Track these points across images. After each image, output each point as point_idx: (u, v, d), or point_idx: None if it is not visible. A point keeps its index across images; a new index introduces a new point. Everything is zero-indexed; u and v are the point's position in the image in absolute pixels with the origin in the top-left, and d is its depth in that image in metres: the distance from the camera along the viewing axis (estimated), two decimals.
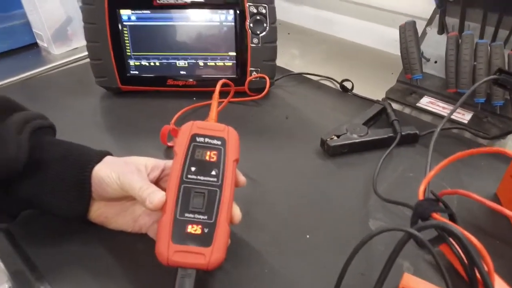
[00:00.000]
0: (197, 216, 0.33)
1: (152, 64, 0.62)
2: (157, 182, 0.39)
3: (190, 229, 0.33)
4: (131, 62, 0.62)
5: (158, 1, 0.58)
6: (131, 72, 0.63)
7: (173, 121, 0.55)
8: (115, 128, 0.59)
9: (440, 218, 0.28)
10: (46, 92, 0.68)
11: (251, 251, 0.39)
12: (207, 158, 0.36)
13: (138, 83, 0.64)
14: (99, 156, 0.38)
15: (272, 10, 0.59)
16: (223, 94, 0.54)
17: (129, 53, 0.61)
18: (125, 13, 0.59)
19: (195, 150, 0.36)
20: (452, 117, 0.58)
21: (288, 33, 0.90)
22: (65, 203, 0.37)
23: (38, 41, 0.82)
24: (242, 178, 0.38)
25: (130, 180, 0.35)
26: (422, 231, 0.24)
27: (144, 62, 0.62)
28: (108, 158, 0.38)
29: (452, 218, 0.30)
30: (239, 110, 0.61)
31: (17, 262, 0.37)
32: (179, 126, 0.51)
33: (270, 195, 0.46)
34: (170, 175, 0.35)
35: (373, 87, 0.68)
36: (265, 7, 0.58)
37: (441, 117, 0.59)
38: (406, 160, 0.50)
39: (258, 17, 0.59)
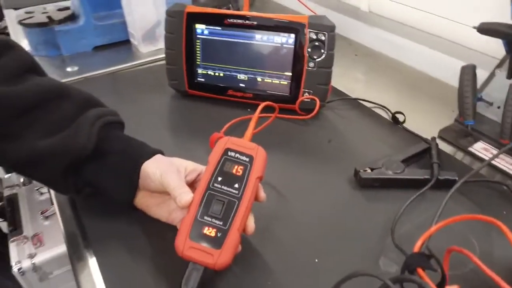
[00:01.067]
0: (214, 220, 0.38)
1: (216, 74, 0.69)
2: (192, 184, 0.45)
3: (206, 230, 0.38)
4: (199, 71, 0.69)
5: (228, 20, 0.64)
6: (198, 79, 0.70)
7: (223, 129, 0.61)
8: (175, 126, 0.67)
9: (423, 274, 0.29)
10: (128, 85, 0.79)
11: (261, 262, 0.43)
12: (233, 171, 0.41)
13: (203, 89, 0.71)
14: (151, 154, 0.45)
15: (331, 38, 0.61)
16: (273, 109, 0.59)
17: (198, 62, 0.69)
18: (199, 27, 0.66)
19: (225, 162, 0.41)
20: (504, 168, 0.55)
21: (356, 55, 0.91)
22: (116, 188, 0.45)
23: (131, 39, 0.95)
24: (262, 194, 0.42)
25: (169, 179, 0.42)
26: (397, 283, 0.26)
27: (210, 72, 0.69)
28: (157, 157, 0.45)
29: (443, 277, 0.30)
30: (286, 126, 0.65)
31: (74, 228, 0.46)
32: (227, 135, 0.56)
33: (294, 214, 0.49)
34: (200, 181, 0.41)
35: (429, 122, 0.67)
36: (324, 35, 0.61)
37: (492, 166, 0.56)
38: (438, 205, 0.50)
39: (316, 43, 0.62)
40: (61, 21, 0.87)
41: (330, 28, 0.61)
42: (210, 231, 0.38)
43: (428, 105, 0.73)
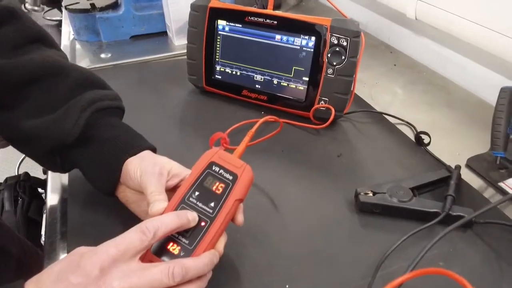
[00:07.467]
0: (180, 238, 0.36)
1: (233, 73, 0.67)
2: (174, 188, 0.42)
3: (170, 246, 0.35)
4: (217, 67, 0.68)
5: (249, 18, 0.62)
6: (216, 76, 0.68)
7: (228, 131, 0.58)
8: (184, 120, 0.66)
9: None
10: (152, 76, 0.79)
11: (228, 279, 0.40)
12: (213, 188, 0.37)
13: (219, 87, 0.69)
14: (138, 149, 0.44)
15: (354, 44, 0.56)
16: (288, 115, 0.56)
17: (217, 59, 0.67)
18: (221, 23, 0.65)
19: (207, 177, 0.38)
20: None
21: (395, 65, 0.83)
22: (98, 178, 0.44)
23: (167, 31, 0.95)
24: (240, 219, 0.39)
25: (147, 182, 0.39)
26: None
27: (227, 70, 0.67)
28: (144, 154, 0.43)
29: None
30: (296, 134, 0.61)
31: (57, 211, 0.47)
32: (231, 137, 0.54)
33: (278, 230, 0.46)
34: (177, 192, 0.38)
35: (461, 148, 0.59)
36: (346, 40, 0.56)
37: None
38: (445, 245, 0.43)
39: (337, 49, 0.57)
40: (102, 9, 0.90)
41: (354, 34, 0.56)
42: (174, 248, 0.35)
43: (465, 128, 0.64)
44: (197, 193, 0.37)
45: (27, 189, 1.18)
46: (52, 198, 0.49)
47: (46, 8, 1.16)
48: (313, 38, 0.58)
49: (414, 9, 0.79)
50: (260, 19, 0.61)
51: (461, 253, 0.43)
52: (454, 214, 0.44)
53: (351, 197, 0.49)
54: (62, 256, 0.42)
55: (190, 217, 0.36)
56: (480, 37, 0.68)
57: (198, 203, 0.37)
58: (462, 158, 0.57)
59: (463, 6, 0.69)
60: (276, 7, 1.13)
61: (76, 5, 0.90)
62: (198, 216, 0.36)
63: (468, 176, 0.53)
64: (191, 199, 0.37)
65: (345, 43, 0.56)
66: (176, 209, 0.37)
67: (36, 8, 1.06)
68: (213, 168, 0.38)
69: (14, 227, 1.00)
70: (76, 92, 0.44)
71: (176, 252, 0.35)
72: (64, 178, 0.52)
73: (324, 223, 0.46)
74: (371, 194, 0.47)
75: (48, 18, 1.21)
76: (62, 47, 0.93)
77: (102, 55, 0.86)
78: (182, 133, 0.63)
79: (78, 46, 0.92)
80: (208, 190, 0.37)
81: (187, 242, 0.35)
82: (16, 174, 1.26)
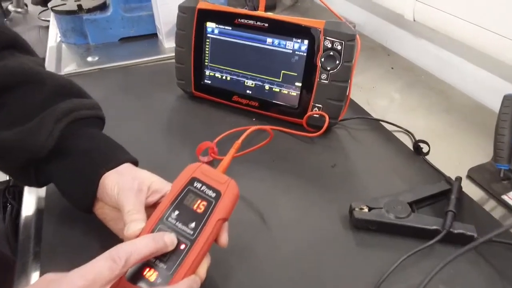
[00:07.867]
0: (158, 262, 0.32)
1: (223, 77, 0.64)
2: (154, 205, 0.39)
3: (146, 272, 0.32)
4: (207, 72, 0.65)
5: (239, 20, 0.59)
6: (205, 81, 0.65)
7: (216, 139, 0.55)
8: (172, 127, 0.63)
9: None
10: (139, 80, 0.75)
11: None
12: (194, 207, 0.34)
13: (208, 92, 0.66)
14: (116, 162, 0.40)
15: (349, 48, 0.53)
16: (281, 122, 0.52)
17: (206, 63, 0.64)
18: (210, 26, 0.61)
19: (187, 194, 0.35)
20: None
21: (392, 68, 0.81)
22: (74, 194, 0.41)
23: (157, 33, 0.92)
24: (224, 240, 0.35)
25: (124, 200, 0.36)
26: None
27: (217, 74, 0.64)
28: (122, 168, 0.40)
29: None
30: (288, 142, 0.58)
31: (32, 228, 0.44)
32: (220, 145, 0.51)
33: (266, 247, 0.43)
34: (155, 211, 0.35)
35: (462, 157, 0.56)
36: (341, 44, 0.53)
37: None
38: (446, 265, 0.40)
39: (331, 53, 0.54)
40: (89, 10, 0.87)
41: (348, 37, 0.53)
42: (150, 274, 0.32)
43: (465, 135, 0.61)
44: (176, 212, 0.34)
45: (16, 195, 1.15)
46: (26, 213, 0.46)
47: (41, 9, 1.13)
48: (305, 42, 0.55)
49: (412, 10, 0.76)
50: (251, 22, 0.58)
51: (463, 274, 0.40)
52: (456, 231, 0.41)
53: (346, 212, 0.46)
54: (34, 276, 0.39)
55: (167, 240, 0.33)
56: (480, 39, 0.65)
57: (177, 223, 0.34)
58: (463, 166, 0.54)
59: (462, 7, 0.66)
60: (271, 7, 1.10)
61: (62, 6, 0.87)
62: (177, 238, 0.33)
63: (469, 187, 0.51)
64: (170, 219, 0.34)
65: (339, 47, 0.53)
66: (153, 231, 0.34)
67: (19, 10, 1.02)
68: (195, 185, 0.35)
69: (3, 234, 0.96)
70: (52, 101, 0.41)
71: (152, 278, 0.32)
72: (41, 191, 0.49)
73: (316, 240, 0.43)
74: (366, 210, 0.44)
75: (43, 18, 1.18)
76: (48, 50, 0.89)
77: (89, 58, 0.83)
78: (168, 141, 0.60)
79: (65, 48, 0.89)
80: (189, 209, 0.34)
81: (165, 267, 0.32)
82: (7, 179, 1.23)
